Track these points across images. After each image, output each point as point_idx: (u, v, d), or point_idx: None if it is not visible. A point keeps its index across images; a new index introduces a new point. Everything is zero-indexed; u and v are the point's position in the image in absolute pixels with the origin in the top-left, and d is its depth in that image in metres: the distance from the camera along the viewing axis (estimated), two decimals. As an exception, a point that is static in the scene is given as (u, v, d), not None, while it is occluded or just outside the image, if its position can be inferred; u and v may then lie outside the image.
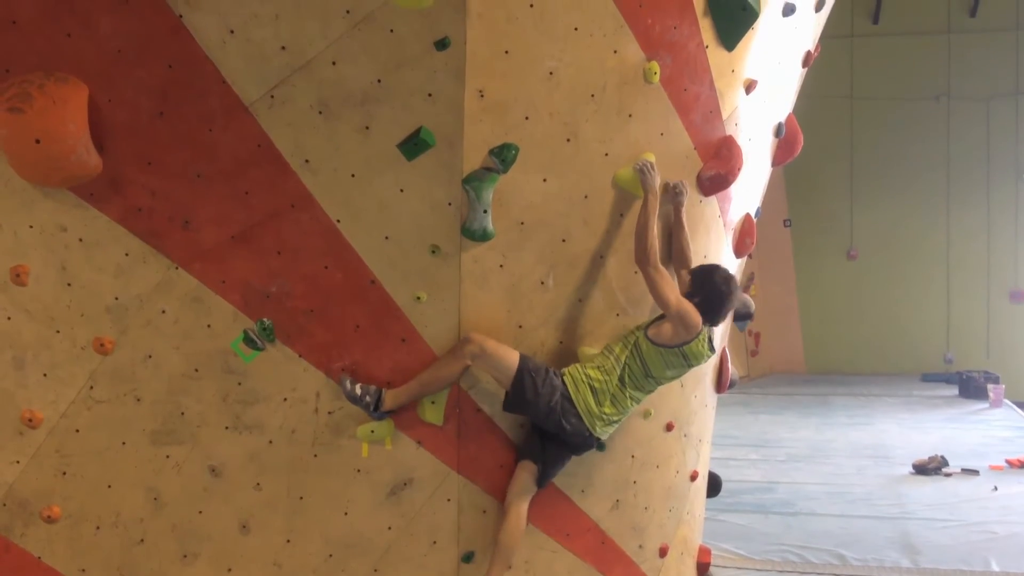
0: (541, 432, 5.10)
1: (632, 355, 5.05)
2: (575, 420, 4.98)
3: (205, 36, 4.31)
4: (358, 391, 4.78)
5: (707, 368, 6.03)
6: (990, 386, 15.94)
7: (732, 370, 6.50)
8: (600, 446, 5.29)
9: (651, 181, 4.93)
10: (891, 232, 18.90)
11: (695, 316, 5.00)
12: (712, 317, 5.12)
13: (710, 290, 5.12)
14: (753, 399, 16.31)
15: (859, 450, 12.21)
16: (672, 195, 5.22)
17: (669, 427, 5.76)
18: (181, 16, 4.27)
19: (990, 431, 13.52)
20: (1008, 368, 17.79)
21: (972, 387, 16.43)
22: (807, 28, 5.83)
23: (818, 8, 5.82)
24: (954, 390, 16.96)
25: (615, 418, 5.10)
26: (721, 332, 5.24)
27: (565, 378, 4.99)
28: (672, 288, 4.99)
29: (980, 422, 14.30)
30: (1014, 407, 15.50)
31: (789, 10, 5.39)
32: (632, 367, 5.04)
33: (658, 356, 5.04)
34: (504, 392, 4.95)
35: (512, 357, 4.87)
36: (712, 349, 5.22)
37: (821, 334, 19.29)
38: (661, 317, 5.11)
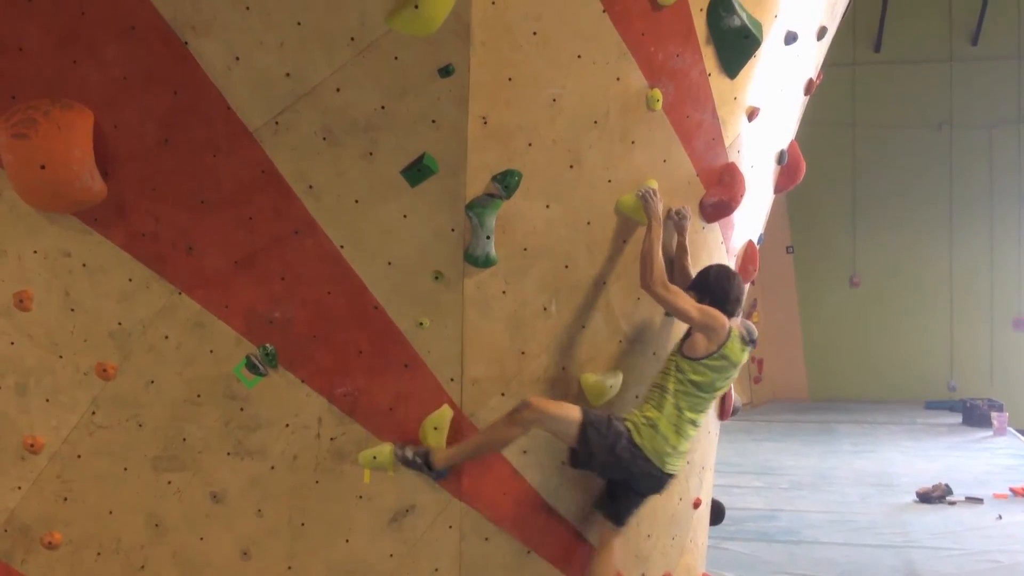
0: (609, 485, 5.16)
1: (678, 380, 5.04)
2: (643, 462, 4.98)
3: (210, 63, 4.34)
4: (410, 454, 4.84)
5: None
6: (994, 414, 15.89)
7: (735, 397, 6.48)
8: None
9: (654, 208, 4.94)
10: (894, 259, 18.90)
11: (718, 316, 5.00)
12: (727, 308, 5.09)
13: (711, 287, 5.10)
14: (756, 426, 16.26)
15: (863, 478, 12.16)
16: (675, 221, 5.22)
17: (672, 454, 5.74)
18: (187, 43, 4.30)
19: (994, 459, 13.47)
20: (1012, 396, 17.74)
21: (976, 415, 16.37)
22: (809, 56, 5.85)
23: (820, 36, 5.85)
24: (958, 418, 16.90)
25: (683, 447, 5.10)
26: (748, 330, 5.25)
27: (627, 424, 5.00)
28: (686, 299, 4.99)
29: (984, 450, 14.24)
30: (1018, 435, 15.44)
31: (791, 38, 5.41)
32: (683, 391, 5.03)
33: (703, 368, 5.03)
34: (569, 448, 4.99)
35: (573, 415, 4.89)
36: (750, 342, 5.20)
37: (824, 361, 19.25)
38: (688, 335, 5.14)
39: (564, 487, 5.25)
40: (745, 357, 5.23)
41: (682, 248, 5.30)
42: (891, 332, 18.90)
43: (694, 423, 5.13)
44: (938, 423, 16.72)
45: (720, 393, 5.27)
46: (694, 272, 5.33)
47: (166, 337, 4.75)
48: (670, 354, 5.20)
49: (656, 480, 5.10)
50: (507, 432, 4.86)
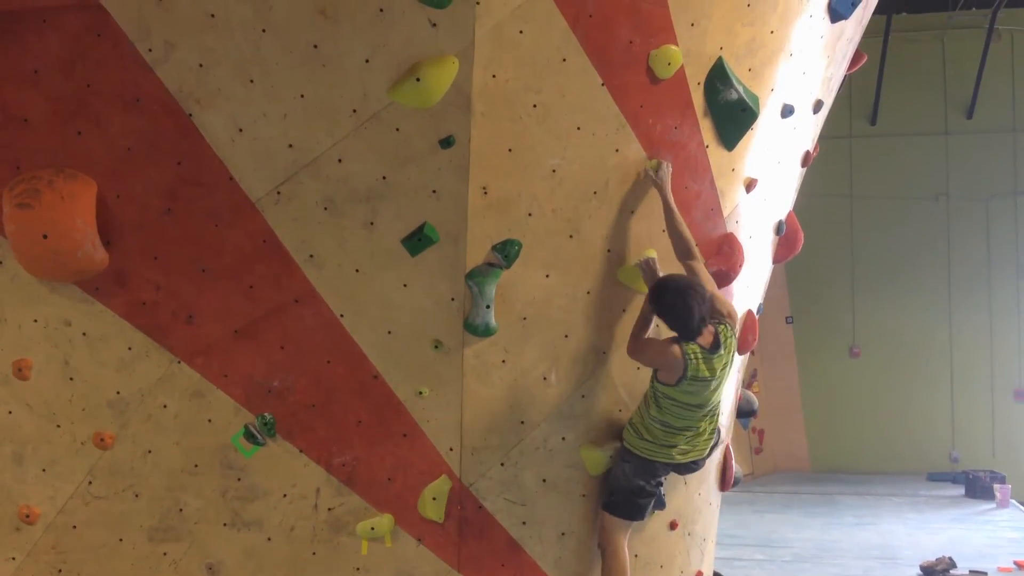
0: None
1: (657, 404, 4.98)
2: (639, 460, 5.09)
3: (214, 134, 4.39)
4: None
5: (711, 466, 5.97)
6: (996, 486, 15.76)
7: (736, 468, 6.44)
8: (660, 503, 5.37)
9: (653, 279, 4.96)
10: (894, 330, 18.88)
11: (665, 353, 4.87)
12: (684, 332, 4.87)
13: (666, 309, 4.88)
14: (757, 497, 16.11)
15: (866, 551, 12.01)
16: (653, 178, 4.99)
17: (673, 525, 5.69)
18: (191, 115, 4.35)
19: (997, 532, 13.32)
20: (1014, 467, 17.59)
21: (978, 487, 16.23)
22: (806, 128, 5.92)
23: (816, 109, 5.92)
24: (960, 490, 16.76)
25: (679, 430, 5.02)
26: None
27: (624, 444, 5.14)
28: (645, 349, 4.99)
29: (987, 523, 14.09)
30: (1021, 507, 15.29)
31: (788, 111, 5.48)
32: (665, 408, 4.97)
33: (677, 392, 4.92)
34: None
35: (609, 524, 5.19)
36: (715, 347, 4.93)
37: (825, 432, 19.13)
38: None
39: (564, 559, 5.20)
40: (721, 365, 4.94)
41: (668, 208, 5.02)
42: (892, 403, 18.82)
43: (666, 425, 5.00)
44: (941, 495, 16.56)
45: (708, 405, 5.04)
46: (691, 242, 5.12)
47: (164, 406, 4.73)
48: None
49: (665, 467, 5.19)
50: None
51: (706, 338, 4.89)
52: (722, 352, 4.93)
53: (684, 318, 4.82)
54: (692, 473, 5.41)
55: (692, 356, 4.85)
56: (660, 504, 5.38)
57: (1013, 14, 17.63)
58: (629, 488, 5.14)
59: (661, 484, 5.27)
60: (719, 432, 5.29)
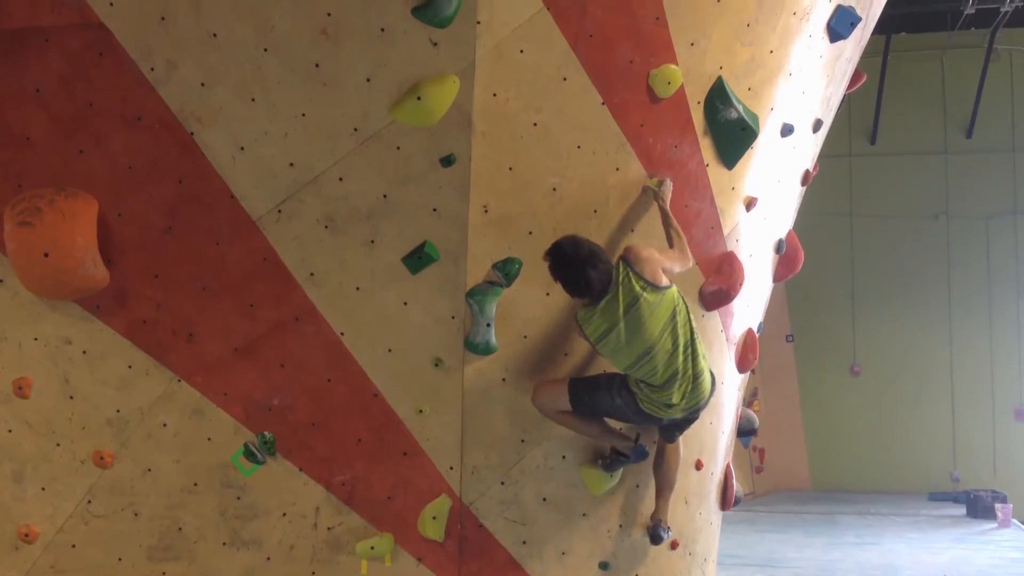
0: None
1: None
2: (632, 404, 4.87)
3: (215, 153, 4.40)
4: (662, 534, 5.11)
5: (711, 486, 5.96)
6: (998, 505, 15.70)
7: (737, 487, 6.42)
8: (641, 453, 5.13)
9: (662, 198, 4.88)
10: (894, 348, 18.86)
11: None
12: (571, 290, 4.68)
13: (558, 272, 4.65)
14: (758, 517, 16.05)
15: (867, 571, 11.96)
16: (656, 191, 4.98)
17: (674, 545, 5.67)
18: (192, 133, 4.37)
19: (999, 552, 13.26)
20: (1015, 487, 17.53)
21: (980, 506, 16.18)
22: (805, 147, 5.93)
23: (815, 129, 5.93)
24: (961, 509, 16.70)
25: (659, 388, 4.80)
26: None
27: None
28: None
29: (989, 542, 14.04)
30: (1023, 527, 15.25)
31: (787, 130, 5.49)
32: (623, 367, 4.81)
33: (605, 351, 4.78)
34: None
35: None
36: (599, 299, 4.68)
37: (826, 451, 19.09)
38: None
39: (564, 578, 5.18)
40: (619, 307, 4.65)
41: (665, 217, 4.97)
42: (893, 421, 18.78)
43: (645, 384, 4.81)
44: (942, 514, 16.51)
45: (654, 345, 4.73)
46: (685, 255, 5.03)
47: (164, 424, 4.73)
48: None
49: (657, 420, 4.99)
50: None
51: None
52: (610, 296, 4.64)
53: (565, 277, 4.62)
54: (689, 421, 5.08)
55: (583, 321, 4.70)
56: (641, 455, 5.15)
57: (1012, 34, 17.67)
58: (608, 406, 4.90)
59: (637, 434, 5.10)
60: (712, 376, 5.00)
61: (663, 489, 5.25)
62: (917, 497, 18.16)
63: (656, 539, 5.21)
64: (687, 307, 4.82)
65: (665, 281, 4.70)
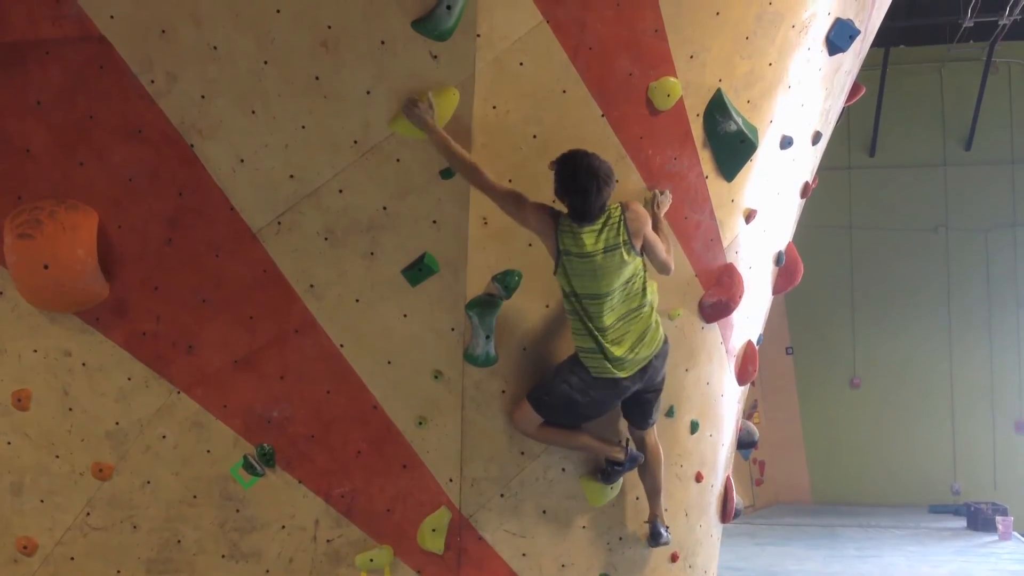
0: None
1: (569, 304, 4.69)
2: (586, 377, 4.76)
3: (216, 165, 4.41)
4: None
5: (711, 499, 5.95)
6: (998, 518, 15.68)
7: (737, 499, 6.41)
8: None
9: (422, 116, 4.39)
10: (894, 360, 18.86)
11: (536, 210, 4.53)
12: (575, 211, 4.50)
13: (566, 182, 4.48)
14: (758, 530, 16.02)
15: (868, 583, 11.94)
16: (659, 199, 4.96)
17: (674, 558, 5.66)
18: (193, 146, 4.38)
19: (1000, 564, 13.23)
20: (1016, 499, 17.51)
21: (980, 519, 16.15)
22: (805, 160, 5.94)
23: (815, 141, 5.94)
24: (962, 522, 16.67)
25: (613, 351, 4.69)
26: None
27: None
28: (509, 198, 4.52)
29: (989, 555, 14.00)
30: (1023, 540, 15.22)
31: (786, 143, 5.50)
32: (575, 306, 4.66)
33: (566, 279, 4.62)
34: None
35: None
36: (585, 223, 4.55)
37: (826, 463, 19.07)
38: None
39: (564, 591, 5.17)
40: (598, 240, 4.57)
41: (656, 224, 4.89)
42: (893, 434, 18.77)
43: (587, 329, 4.69)
44: (942, 527, 16.48)
45: (612, 292, 4.65)
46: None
47: (163, 437, 4.73)
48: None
49: (616, 384, 4.81)
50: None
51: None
52: (596, 225, 4.54)
53: (579, 197, 4.46)
54: (649, 390, 4.95)
55: (565, 226, 4.54)
56: (635, 460, 5.06)
57: (1010, 47, 17.72)
58: (574, 401, 4.80)
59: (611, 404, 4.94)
60: (665, 339, 4.90)
61: (652, 493, 5.23)
62: (918, 510, 18.14)
63: (656, 537, 5.18)
64: (645, 279, 4.75)
65: (638, 248, 4.66)
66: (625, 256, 4.61)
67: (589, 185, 4.42)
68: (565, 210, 4.55)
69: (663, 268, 4.85)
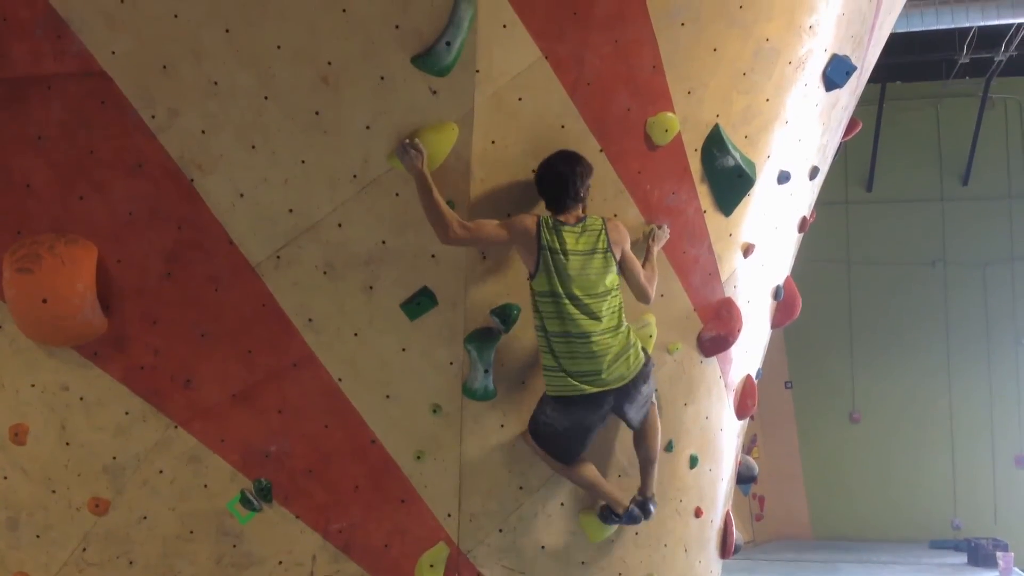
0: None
1: (538, 311, 4.62)
2: (557, 405, 4.70)
3: (215, 199, 4.43)
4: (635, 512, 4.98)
5: (711, 534, 5.92)
6: (999, 554, 15.59)
7: (736, 535, 6.38)
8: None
9: (412, 162, 4.37)
10: (893, 395, 18.83)
11: (518, 219, 4.54)
12: (553, 201, 4.58)
13: (546, 171, 4.58)
14: (758, 565, 15.93)
15: (869, 619, 11.86)
16: (657, 233, 4.98)
17: (673, 594, 5.63)
18: (192, 180, 4.39)
19: (1001, 600, 13.16)
20: (1017, 535, 17.43)
21: (981, 555, 16.06)
22: (802, 194, 5.96)
23: (812, 176, 5.97)
24: (963, 557, 16.59)
25: (576, 338, 4.59)
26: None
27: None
28: (486, 225, 4.49)
29: (991, 591, 13.93)
30: (1024, 575, 15.14)
31: (784, 178, 5.53)
32: (547, 314, 4.58)
33: (540, 278, 4.57)
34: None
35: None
36: (569, 223, 4.58)
37: (827, 498, 18.98)
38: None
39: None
40: (580, 241, 4.58)
41: (648, 255, 4.92)
42: (893, 469, 18.70)
43: (563, 335, 4.59)
44: (943, 563, 16.39)
45: (583, 295, 4.58)
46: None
47: (160, 471, 4.71)
48: None
49: (590, 402, 4.72)
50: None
51: (569, 218, 4.60)
52: (578, 228, 4.56)
53: (558, 180, 4.53)
54: (629, 408, 4.84)
55: (546, 225, 4.52)
56: (632, 519, 5.00)
57: (1006, 83, 17.83)
58: (556, 431, 4.76)
59: (594, 424, 4.84)
60: (646, 353, 4.86)
61: (647, 465, 5.04)
62: (918, 545, 18.04)
63: (646, 512, 4.99)
64: (622, 302, 4.72)
65: (617, 256, 4.66)
66: (606, 261, 4.62)
67: (566, 168, 4.54)
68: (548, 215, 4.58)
69: (641, 294, 4.82)
